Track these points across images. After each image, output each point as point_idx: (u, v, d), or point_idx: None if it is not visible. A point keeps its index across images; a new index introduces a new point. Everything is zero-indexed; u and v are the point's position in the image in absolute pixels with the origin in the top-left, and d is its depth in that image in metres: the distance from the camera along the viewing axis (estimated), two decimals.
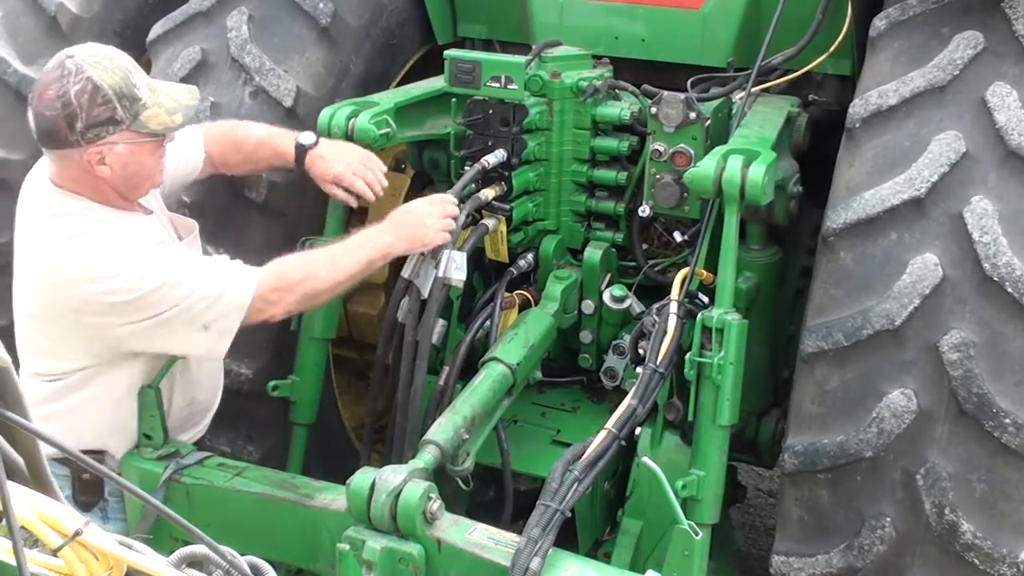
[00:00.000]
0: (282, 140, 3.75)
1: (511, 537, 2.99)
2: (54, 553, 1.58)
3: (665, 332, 3.45)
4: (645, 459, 3.04)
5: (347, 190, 3.74)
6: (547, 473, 3.17)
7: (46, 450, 1.70)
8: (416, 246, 3.58)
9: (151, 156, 3.22)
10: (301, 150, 3.71)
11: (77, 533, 1.57)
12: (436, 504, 3.00)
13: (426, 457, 3.20)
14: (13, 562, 1.45)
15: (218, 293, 3.19)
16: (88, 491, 3.39)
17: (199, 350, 3.34)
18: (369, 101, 3.89)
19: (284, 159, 3.75)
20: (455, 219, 3.63)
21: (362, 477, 3.02)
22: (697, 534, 3.04)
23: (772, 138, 3.56)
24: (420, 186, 4.62)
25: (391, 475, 3.01)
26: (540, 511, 3.01)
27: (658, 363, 3.39)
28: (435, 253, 3.62)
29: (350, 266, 3.40)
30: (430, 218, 3.57)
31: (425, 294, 3.64)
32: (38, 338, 3.28)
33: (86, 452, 3.32)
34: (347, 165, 3.70)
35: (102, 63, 3.08)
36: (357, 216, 4.67)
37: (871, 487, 3.09)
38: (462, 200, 3.74)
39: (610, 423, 3.28)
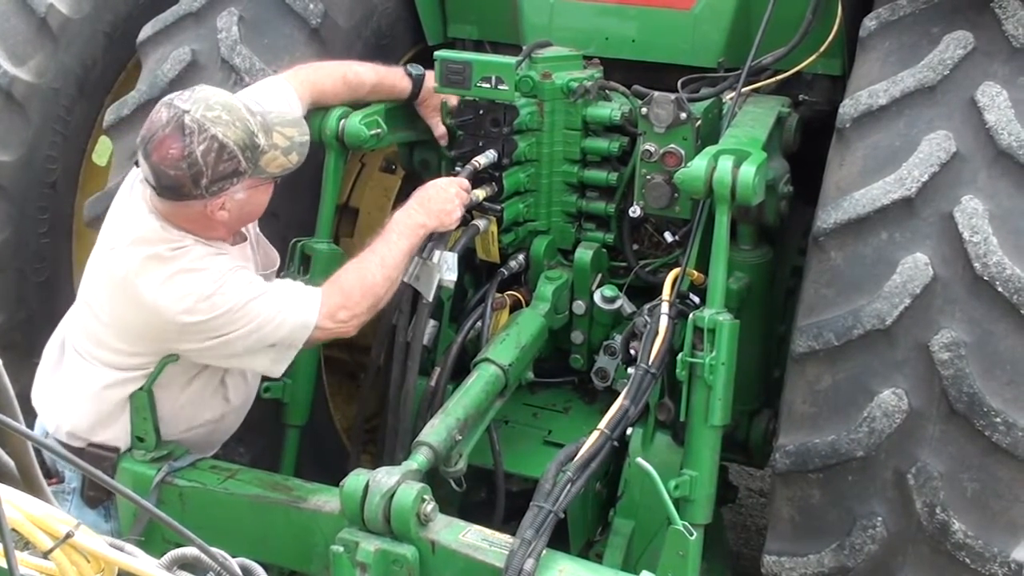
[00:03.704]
0: (392, 78, 3.91)
1: (505, 538, 3.00)
2: (45, 556, 1.58)
3: (656, 332, 3.45)
4: (639, 460, 3.04)
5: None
6: (539, 474, 3.18)
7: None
8: (446, 222, 3.62)
9: (265, 194, 3.33)
10: (418, 81, 3.92)
11: (68, 535, 1.57)
12: (430, 506, 3.00)
13: (419, 459, 3.20)
14: (4, 564, 1.45)
15: (283, 317, 3.26)
16: (97, 486, 3.41)
17: (261, 368, 3.46)
18: None
19: (399, 94, 3.93)
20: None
21: (355, 479, 3.02)
22: (692, 534, 3.05)
23: (762, 138, 3.56)
24: (411, 187, 4.61)
25: (385, 477, 3.01)
26: (533, 512, 3.01)
27: (650, 363, 3.39)
28: (432, 255, 3.62)
29: (398, 259, 3.50)
30: (458, 196, 3.66)
31: (429, 297, 3.65)
32: (105, 337, 3.34)
33: (99, 447, 3.35)
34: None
35: (223, 118, 3.11)
36: (348, 217, 4.68)
37: (862, 487, 3.09)
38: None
39: (602, 424, 3.28)
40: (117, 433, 3.41)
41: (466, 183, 3.73)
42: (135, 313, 3.24)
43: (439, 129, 4.03)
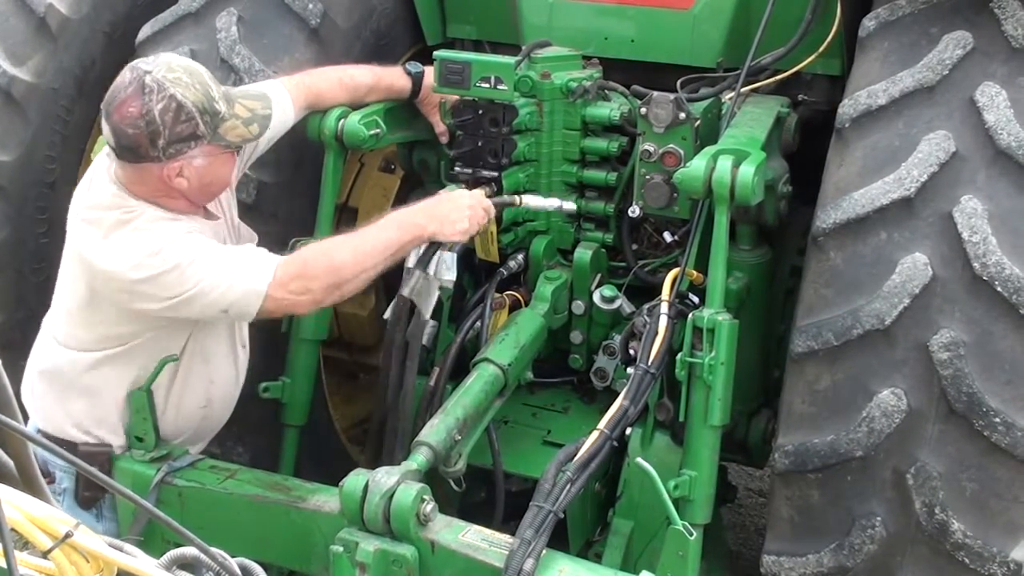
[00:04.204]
0: (390, 77, 3.90)
1: (504, 538, 3.00)
2: (45, 555, 1.58)
3: (656, 332, 3.45)
4: (639, 460, 3.04)
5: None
6: (538, 474, 3.18)
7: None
8: (449, 233, 3.47)
9: (226, 166, 3.31)
10: (418, 79, 3.91)
11: (67, 535, 1.57)
12: (429, 506, 3.00)
13: (419, 459, 3.20)
14: (3, 564, 1.45)
15: (232, 279, 3.18)
16: (92, 487, 3.40)
17: (222, 325, 3.45)
18: None
19: (399, 94, 3.92)
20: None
21: (355, 479, 3.02)
22: (691, 534, 3.05)
23: (762, 138, 3.56)
24: (410, 187, 4.62)
25: (384, 477, 3.01)
26: (533, 512, 3.01)
27: (649, 363, 3.40)
28: (432, 263, 3.58)
29: (377, 247, 3.35)
30: (470, 209, 3.51)
31: (427, 314, 3.63)
32: (75, 313, 3.36)
33: (93, 446, 3.36)
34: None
35: (183, 79, 3.13)
36: (347, 217, 4.67)
37: (861, 486, 3.09)
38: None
39: (602, 424, 3.29)
40: (109, 429, 3.41)
41: (487, 202, 3.62)
42: (91, 278, 3.25)
43: (440, 127, 4.03)
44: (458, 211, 3.49)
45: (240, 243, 3.54)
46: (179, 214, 3.28)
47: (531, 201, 3.81)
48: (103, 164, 3.34)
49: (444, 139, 4.05)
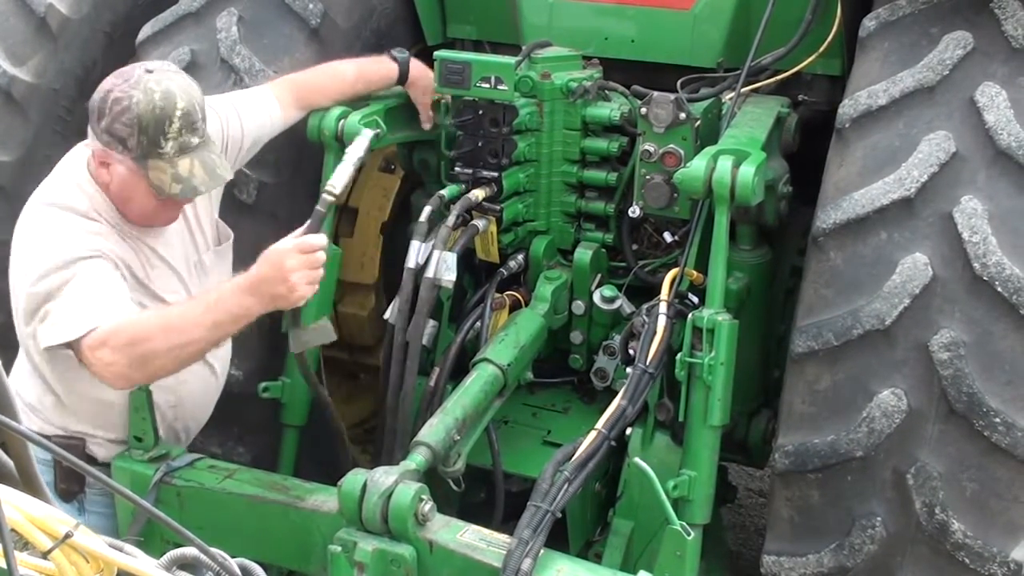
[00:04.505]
0: (375, 64, 3.88)
1: (503, 538, 3.00)
2: (44, 556, 1.58)
3: (654, 332, 3.45)
4: (636, 460, 3.04)
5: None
6: (538, 474, 3.17)
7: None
8: (281, 305, 3.14)
9: (146, 197, 3.21)
10: (404, 63, 3.88)
11: (68, 536, 1.57)
12: (428, 505, 3.00)
13: (417, 458, 3.20)
14: (3, 565, 1.45)
15: (60, 313, 3.06)
16: (69, 479, 3.38)
17: (26, 340, 3.25)
18: (358, 102, 3.89)
19: (387, 81, 3.90)
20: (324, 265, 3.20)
21: (353, 479, 3.02)
22: (689, 534, 3.04)
23: (762, 138, 3.56)
24: (410, 187, 4.62)
25: (383, 476, 3.00)
26: (531, 512, 3.01)
27: (647, 363, 3.40)
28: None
29: (193, 330, 3.06)
30: (295, 273, 3.05)
31: (293, 351, 3.43)
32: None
33: (69, 436, 3.34)
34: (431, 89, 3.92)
35: (153, 95, 3.10)
36: (347, 217, 4.68)
37: (862, 487, 3.09)
38: (452, 202, 3.76)
39: (600, 423, 3.29)
40: (81, 423, 3.38)
41: (308, 242, 3.11)
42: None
43: (427, 113, 4.03)
44: (282, 282, 3.05)
45: (207, 246, 3.53)
46: (100, 210, 3.24)
47: (339, 173, 3.37)
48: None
49: (428, 125, 4.05)
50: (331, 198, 3.28)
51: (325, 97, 3.81)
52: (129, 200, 3.25)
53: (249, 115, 3.64)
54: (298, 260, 3.06)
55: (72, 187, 3.27)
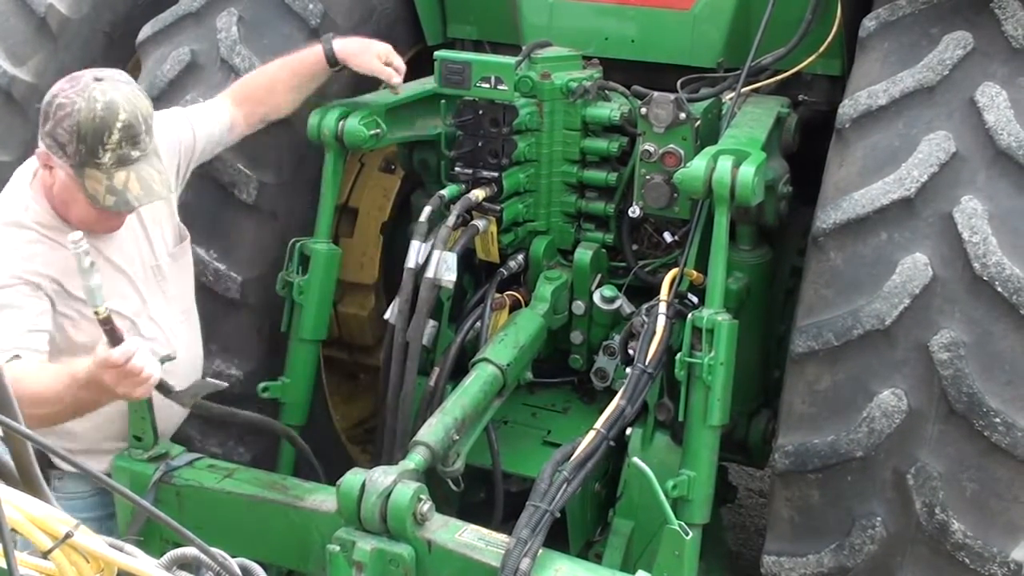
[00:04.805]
0: (305, 54, 3.77)
1: (501, 538, 3.00)
2: (45, 556, 1.58)
3: (654, 332, 3.45)
4: (635, 460, 3.04)
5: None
6: (537, 474, 3.17)
7: None
8: (136, 396, 3.00)
9: (87, 206, 3.15)
10: (329, 48, 3.73)
11: (68, 536, 1.57)
12: (426, 505, 3.00)
13: (416, 458, 3.20)
14: (4, 564, 1.45)
15: None
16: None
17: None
18: (359, 102, 3.89)
19: (318, 65, 3.75)
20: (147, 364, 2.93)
21: (352, 478, 3.02)
22: (687, 534, 3.04)
23: (762, 138, 3.56)
24: (410, 187, 4.62)
25: (381, 476, 3.01)
26: (529, 512, 3.01)
27: (647, 363, 3.40)
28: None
29: (57, 403, 2.94)
30: (119, 386, 2.88)
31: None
32: None
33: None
34: (377, 54, 3.76)
35: (96, 104, 3.04)
36: (347, 217, 4.68)
37: (862, 487, 3.09)
38: (452, 202, 3.76)
39: (599, 423, 3.29)
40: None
41: (117, 360, 2.83)
42: None
43: (383, 73, 3.80)
44: (114, 392, 2.91)
45: (166, 248, 3.47)
46: (41, 221, 3.21)
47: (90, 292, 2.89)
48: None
49: (395, 82, 3.82)
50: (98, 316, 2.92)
51: (272, 94, 3.75)
52: (69, 205, 3.20)
53: (201, 123, 3.61)
54: (113, 376, 2.86)
55: (15, 198, 3.26)
